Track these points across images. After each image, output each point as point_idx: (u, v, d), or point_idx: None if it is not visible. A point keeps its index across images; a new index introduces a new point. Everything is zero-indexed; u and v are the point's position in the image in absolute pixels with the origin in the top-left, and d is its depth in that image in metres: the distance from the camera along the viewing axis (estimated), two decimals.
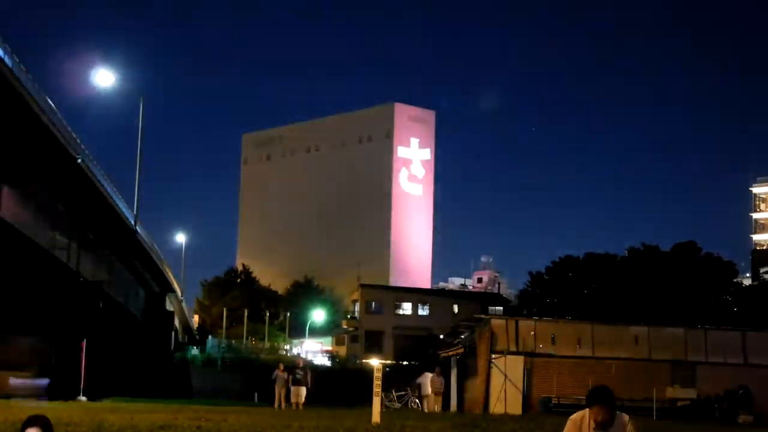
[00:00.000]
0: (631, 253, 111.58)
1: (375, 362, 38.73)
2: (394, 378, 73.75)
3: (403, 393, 64.82)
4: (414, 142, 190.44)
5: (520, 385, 62.11)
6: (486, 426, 35.85)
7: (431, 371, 61.05)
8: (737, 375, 63.57)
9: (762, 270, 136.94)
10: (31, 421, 9.02)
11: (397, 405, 62.33)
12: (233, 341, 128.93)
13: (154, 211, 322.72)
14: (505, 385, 61.75)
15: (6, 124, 47.49)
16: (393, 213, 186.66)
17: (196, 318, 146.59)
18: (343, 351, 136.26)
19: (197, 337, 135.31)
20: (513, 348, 63.31)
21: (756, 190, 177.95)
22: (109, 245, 76.35)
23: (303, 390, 51.13)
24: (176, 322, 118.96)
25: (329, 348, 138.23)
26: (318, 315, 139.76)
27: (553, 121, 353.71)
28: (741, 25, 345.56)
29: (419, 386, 59.67)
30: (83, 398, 63.20)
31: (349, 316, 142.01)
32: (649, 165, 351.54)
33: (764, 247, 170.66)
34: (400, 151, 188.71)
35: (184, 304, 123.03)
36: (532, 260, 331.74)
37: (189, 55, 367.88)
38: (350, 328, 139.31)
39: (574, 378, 62.43)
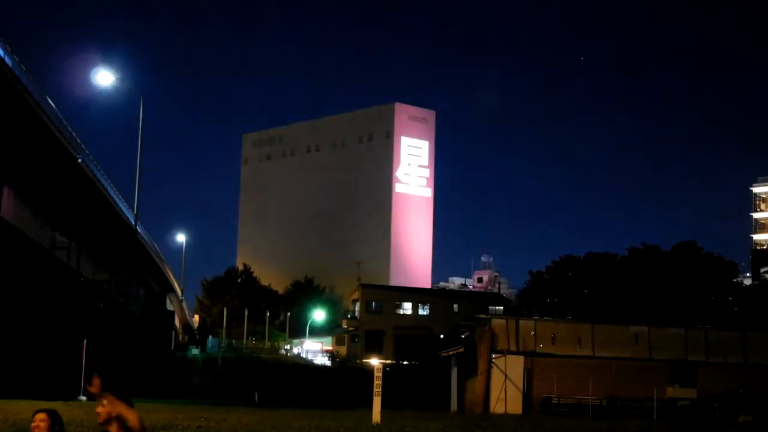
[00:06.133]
0: (632, 253, 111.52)
1: (375, 362, 38.77)
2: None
3: None
4: (414, 141, 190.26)
5: (521, 385, 62.13)
6: (486, 426, 35.85)
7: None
8: (737, 375, 63.62)
9: (762, 270, 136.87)
10: (41, 410, 9.25)
11: None
12: (233, 341, 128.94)
13: (154, 211, 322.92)
14: (505, 384, 61.76)
15: (6, 124, 47.50)
16: (393, 213, 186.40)
17: (196, 318, 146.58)
18: (343, 351, 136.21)
19: (198, 336, 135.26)
20: (513, 348, 63.34)
21: (756, 190, 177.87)
22: (109, 245, 76.32)
23: None
24: (177, 322, 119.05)
25: (329, 348, 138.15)
26: (318, 315, 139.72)
27: (553, 121, 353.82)
28: (743, 26, 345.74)
29: None
30: (83, 398, 63.20)
31: (349, 316, 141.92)
32: (650, 165, 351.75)
33: (764, 247, 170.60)
34: (400, 151, 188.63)
35: (184, 304, 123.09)
36: (532, 260, 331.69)
37: (189, 54, 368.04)
38: (350, 328, 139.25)
39: (575, 378, 62.49)
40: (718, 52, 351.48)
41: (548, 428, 36.25)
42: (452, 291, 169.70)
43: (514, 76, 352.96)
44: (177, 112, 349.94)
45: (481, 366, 62.75)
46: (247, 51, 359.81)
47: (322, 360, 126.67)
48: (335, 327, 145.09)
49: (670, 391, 62.26)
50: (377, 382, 34.89)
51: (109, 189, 63.64)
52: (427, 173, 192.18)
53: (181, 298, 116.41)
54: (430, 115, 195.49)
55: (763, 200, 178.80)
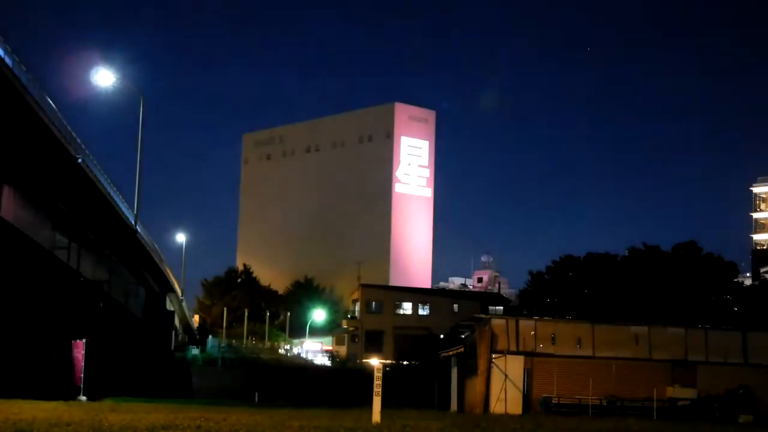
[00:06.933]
0: (632, 253, 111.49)
1: (375, 362, 38.77)
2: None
3: None
4: (414, 141, 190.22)
5: (521, 385, 62.18)
6: (486, 426, 35.86)
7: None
8: (737, 375, 63.67)
9: (762, 270, 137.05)
10: None
11: None
12: (233, 341, 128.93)
13: (155, 211, 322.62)
14: (505, 384, 61.82)
15: (6, 124, 47.51)
16: (393, 213, 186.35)
17: (196, 318, 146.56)
18: (343, 351, 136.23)
19: (197, 336, 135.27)
20: (513, 348, 63.38)
21: (756, 190, 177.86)
22: (109, 245, 76.32)
23: None
24: (176, 322, 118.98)
25: (329, 348, 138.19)
26: (318, 315, 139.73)
27: (553, 121, 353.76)
28: (742, 26, 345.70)
29: None
30: (83, 398, 63.27)
31: (349, 316, 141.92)
32: (650, 165, 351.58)
33: (764, 247, 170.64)
34: (400, 151, 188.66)
35: (184, 304, 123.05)
36: (532, 260, 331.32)
37: (189, 54, 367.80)
38: (350, 328, 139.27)
39: (575, 378, 62.55)
40: (719, 51, 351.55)
41: (548, 428, 36.26)
42: (452, 291, 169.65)
43: (514, 76, 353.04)
44: (177, 112, 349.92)
45: (481, 366, 62.78)
46: (247, 51, 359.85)
47: (322, 360, 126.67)
48: (335, 327, 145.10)
49: (670, 391, 62.31)
50: (377, 382, 34.91)
51: (109, 189, 63.62)
52: (427, 173, 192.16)
53: (181, 298, 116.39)
54: (430, 115, 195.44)
55: (763, 200, 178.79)
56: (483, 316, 71.25)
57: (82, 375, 68.22)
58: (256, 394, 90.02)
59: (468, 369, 67.40)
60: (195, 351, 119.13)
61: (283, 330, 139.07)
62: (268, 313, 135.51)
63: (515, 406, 60.93)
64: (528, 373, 62.68)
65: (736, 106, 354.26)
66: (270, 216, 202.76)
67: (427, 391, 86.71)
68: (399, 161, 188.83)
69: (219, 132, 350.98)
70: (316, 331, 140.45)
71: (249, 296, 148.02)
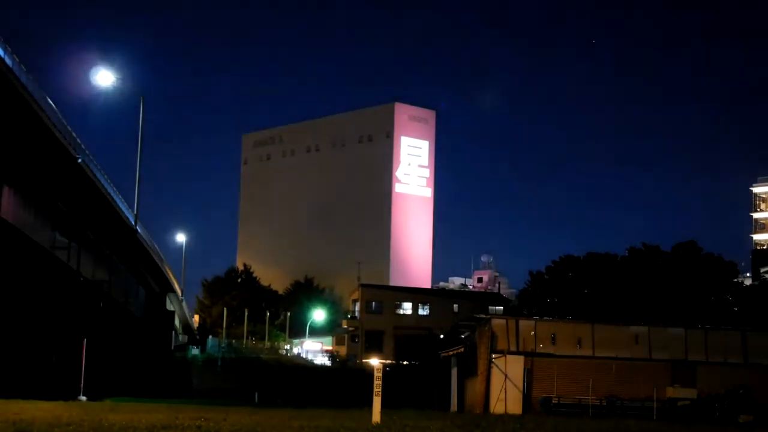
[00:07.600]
0: (632, 253, 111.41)
1: (375, 362, 38.82)
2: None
3: None
4: (414, 141, 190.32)
5: (521, 385, 62.21)
6: (486, 426, 35.88)
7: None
8: (737, 375, 63.70)
9: (762, 270, 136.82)
10: None
11: None
12: (233, 341, 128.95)
13: (155, 211, 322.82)
14: (505, 384, 61.85)
15: (6, 124, 47.53)
16: (393, 213, 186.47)
17: (196, 318, 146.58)
18: (343, 351, 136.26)
19: (198, 336, 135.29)
20: (513, 348, 63.41)
21: (756, 190, 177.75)
22: (109, 245, 76.32)
23: None
24: (176, 322, 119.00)
25: (329, 348, 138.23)
26: (318, 315, 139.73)
27: (553, 122, 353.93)
28: (744, 26, 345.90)
29: None
30: (83, 398, 63.29)
31: (349, 316, 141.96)
32: (650, 165, 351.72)
33: (764, 247, 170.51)
34: (401, 151, 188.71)
35: (184, 304, 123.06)
36: (532, 260, 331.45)
37: (189, 55, 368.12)
38: (350, 328, 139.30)
39: (575, 378, 62.57)
40: (719, 51, 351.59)
41: (548, 428, 36.28)
42: (452, 291, 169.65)
43: (514, 76, 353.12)
44: (177, 112, 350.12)
45: (481, 366, 62.81)
46: (247, 50, 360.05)
47: (322, 360, 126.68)
48: (335, 327, 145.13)
49: (670, 391, 62.31)
50: (377, 382, 34.93)
51: (109, 189, 63.63)
52: (427, 173, 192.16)
53: (181, 298, 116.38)
54: (430, 115, 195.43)
55: (763, 200, 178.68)
56: (483, 316, 71.24)
57: (83, 375, 68.20)
58: (256, 394, 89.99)
59: (468, 369, 67.41)
60: (195, 351, 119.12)
61: (283, 330, 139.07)
62: (268, 313, 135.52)
63: (515, 406, 60.95)
64: (528, 373, 62.71)
65: (737, 106, 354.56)
66: (270, 216, 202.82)
67: (427, 391, 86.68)
68: (399, 161, 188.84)
69: (219, 132, 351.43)
70: (316, 331, 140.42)
71: (249, 296, 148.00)
